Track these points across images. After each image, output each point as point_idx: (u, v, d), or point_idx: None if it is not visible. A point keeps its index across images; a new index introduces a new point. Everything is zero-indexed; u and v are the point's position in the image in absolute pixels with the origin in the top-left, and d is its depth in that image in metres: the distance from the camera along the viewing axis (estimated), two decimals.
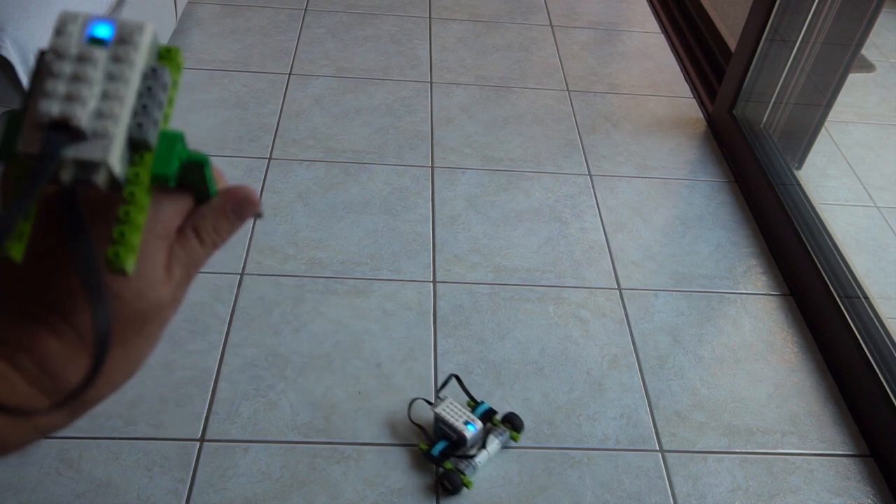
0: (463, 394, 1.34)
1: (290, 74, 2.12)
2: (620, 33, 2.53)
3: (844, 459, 1.33)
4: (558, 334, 1.49)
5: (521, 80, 2.22)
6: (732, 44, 2.09)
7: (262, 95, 2.03)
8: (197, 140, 1.85)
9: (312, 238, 1.63)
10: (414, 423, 1.29)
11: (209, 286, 1.50)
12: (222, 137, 1.88)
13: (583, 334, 1.49)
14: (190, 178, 0.34)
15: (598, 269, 1.64)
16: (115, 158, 0.31)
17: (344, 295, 1.52)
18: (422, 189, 1.79)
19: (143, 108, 0.32)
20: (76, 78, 0.31)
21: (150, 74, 0.32)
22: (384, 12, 2.46)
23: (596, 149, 1.99)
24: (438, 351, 1.43)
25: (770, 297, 1.62)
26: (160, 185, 0.33)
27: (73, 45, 0.31)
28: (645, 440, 1.33)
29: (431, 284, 1.56)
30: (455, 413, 1.25)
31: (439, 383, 1.37)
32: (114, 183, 0.32)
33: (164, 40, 2.07)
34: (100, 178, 0.31)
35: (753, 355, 1.49)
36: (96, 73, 0.31)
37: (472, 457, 1.23)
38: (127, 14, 1.75)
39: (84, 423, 1.23)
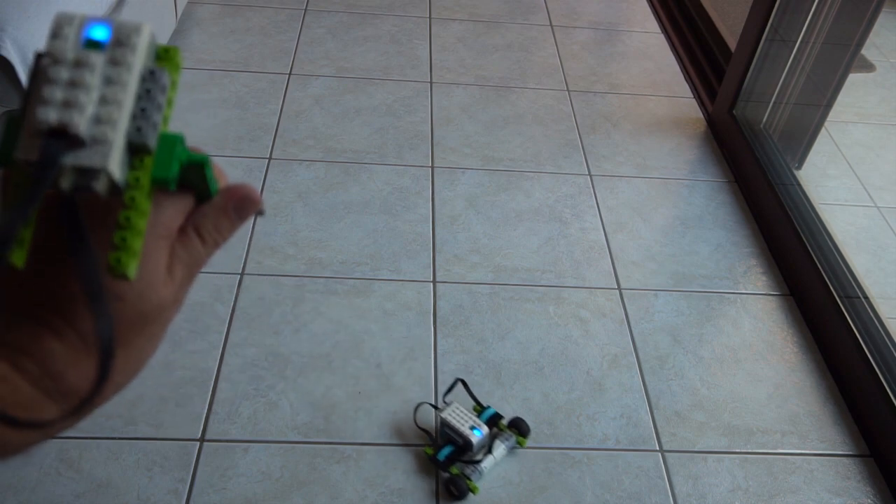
0: (469, 398, 1.34)
1: (290, 74, 2.12)
2: (620, 33, 2.53)
3: (844, 459, 1.33)
4: (558, 334, 1.49)
5: (521, 80, 2.22)
6: (732, 44, 2.09)
7: (262, 95, 2.03)
8: (197, 140, 1.85)
9: (312, 238, 1.63)
10: (419, 427, 1.29)
11: (209, 286, 1.50)
12: (222, 137, 1.88)
13: (583, 334, 1.49)
14: (190, 178, 0.34)
15: (598, 269, 1.64)
16: (115, 164, 0.30)
17: (344, 295, 1.52)
18: (422, 189, 1.79)
19: (142, 111, 0.31)
20: (73, 84, 0.30)
21: (149, 77, 0.32)
22: (384, 12, 2.46)
23: (596, 149, 1.99)
24: (438, 351, 1.43)
25: (770, 297, 1.62)
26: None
27: (70, 48, 0.31)
28: (645, 440, 1.33)
29: (431, 284, 1.56)
30: (461, 418, 1.24)
31: (439, 383, 1.37)
32: (114, 188, 0.31)
33: (164, 40, 2.07)
34: (100, 185, 0.30)
35: (753, 355, 1.49)
36: (93, 78, 0.31)
37: (478, 462, 1.22)
38: (127, 14, 1.75)
39: (84, 423, 1.22)
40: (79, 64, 0.31)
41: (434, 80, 2.17)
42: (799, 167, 1.93)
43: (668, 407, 1.38)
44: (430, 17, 2.47)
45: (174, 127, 1.87)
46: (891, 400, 1.32)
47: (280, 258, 1.58)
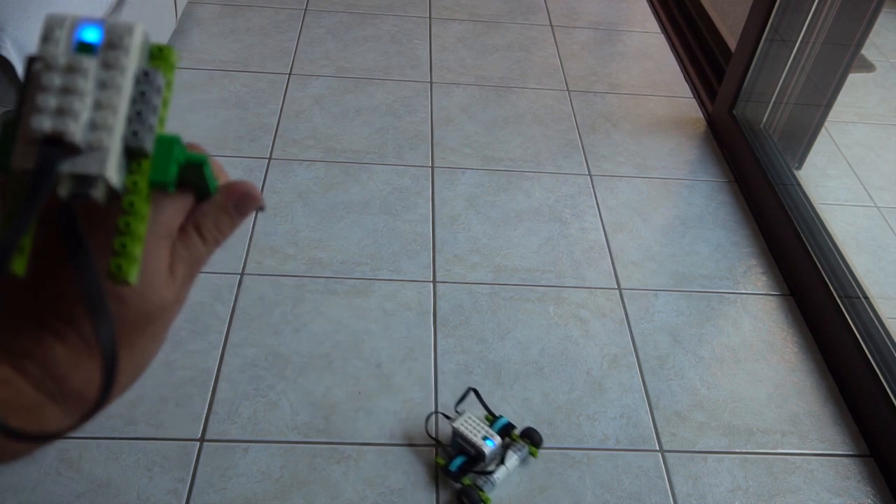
0: (482, 408, 1.34)
1: (290, 74, 2.12)
2: (620, 33, 2.53)
3: (844, 459, 1.33)
4: (558, 334, 1.49)
5: (521, 80, 2.22)
6: (732, 44, 2.09)
7: (262, 95, 2.03)
8: (197, 140, 1.84)
9: (312, 238, 1.63)
10: (431, 437, 1.28)
11: (209, 286, 1.50)
12: (222, 137, 1.88)
13: (583, 334, 1.49)
14: (189, 177, 0.34)
15: (598, 269, 1.64)
16: (112, 170, 0.30)
17: (344, 295, 1.52)
18: (422, 189, 1.79)
19: (138, 114, 0.31)
20: (66, 90, 0.30)
21: (143, 78, 0.31)
22: (384, 12, 2.46)
23: (596, 149, 1.99)
24: (438, 351, 1.43)
25: (770, 297, 1.62)
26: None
27: (62, 52, 0.30)
28: (645, 440, 1.33)
29: (431, 284, 1.56)
30: (473, 428, 1.22)
31: (439, 383, 1.37)
32: (112, 193, 0.31)
33: (164, 40, 2.07)
34: (98, 192, 0.30)
35: (753, 355, 1.49)
36: (87, 84, 0.30)
37: (490, 472, 1.21)
38: (126, 14, 1.75)
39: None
40: (71, 69, 0.30)
41: (434, 80, 2.17)
42: (799, 167, 1.93)
43: (668, 407, 1.38)
44: (430, 17, 2.47)
45: (175, 128, 1.87)
46: (891, 400, 1.32)
47: (280, 258, 1.58)
